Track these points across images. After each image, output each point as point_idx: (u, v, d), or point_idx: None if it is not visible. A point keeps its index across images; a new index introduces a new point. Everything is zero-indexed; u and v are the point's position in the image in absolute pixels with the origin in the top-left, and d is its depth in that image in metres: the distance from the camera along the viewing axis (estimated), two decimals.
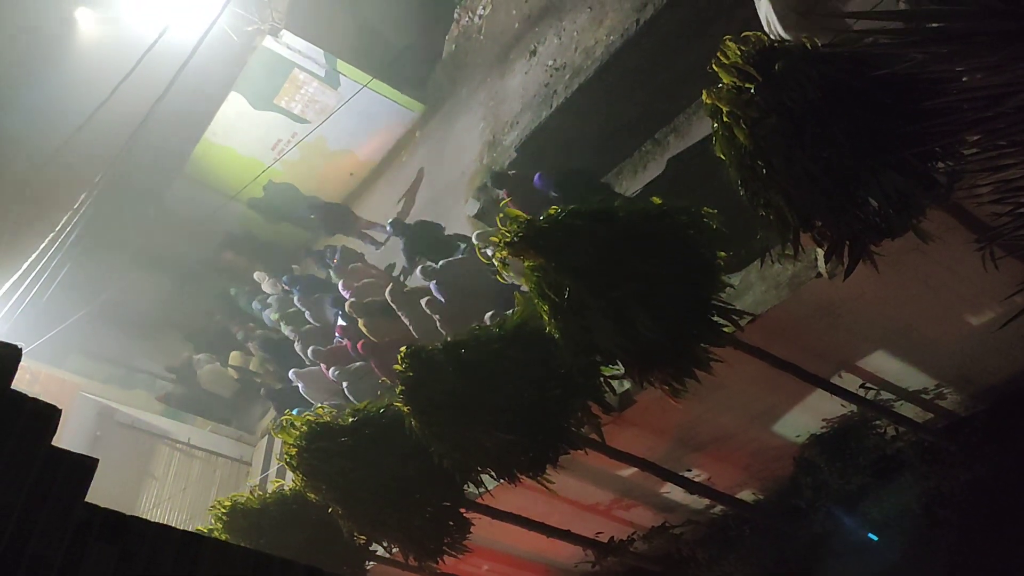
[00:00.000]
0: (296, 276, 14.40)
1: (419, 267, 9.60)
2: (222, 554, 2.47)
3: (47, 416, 2.35)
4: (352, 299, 10.96)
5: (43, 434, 2.33)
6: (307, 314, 12.78)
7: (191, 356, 17.07)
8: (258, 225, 18.67)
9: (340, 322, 11.33)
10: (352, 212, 15.01)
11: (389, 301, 9.81)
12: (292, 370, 12.02)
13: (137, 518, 2.48)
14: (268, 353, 14.44)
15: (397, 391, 5.90)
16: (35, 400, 2.37)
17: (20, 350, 2.47)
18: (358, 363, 10.51)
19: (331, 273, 13.48)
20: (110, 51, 13.81)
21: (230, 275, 17.65)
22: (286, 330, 13.53)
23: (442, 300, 8.84)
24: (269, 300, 15.24)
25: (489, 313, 7.60)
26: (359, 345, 10.28)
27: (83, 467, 2.42)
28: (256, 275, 16.24)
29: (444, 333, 8.28)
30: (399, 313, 9.67)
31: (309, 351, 11.80)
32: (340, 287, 11.74)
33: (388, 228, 11.59)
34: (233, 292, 16.94)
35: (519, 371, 5.59)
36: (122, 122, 11.84)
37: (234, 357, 15.88)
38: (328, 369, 10.93)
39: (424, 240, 10.94)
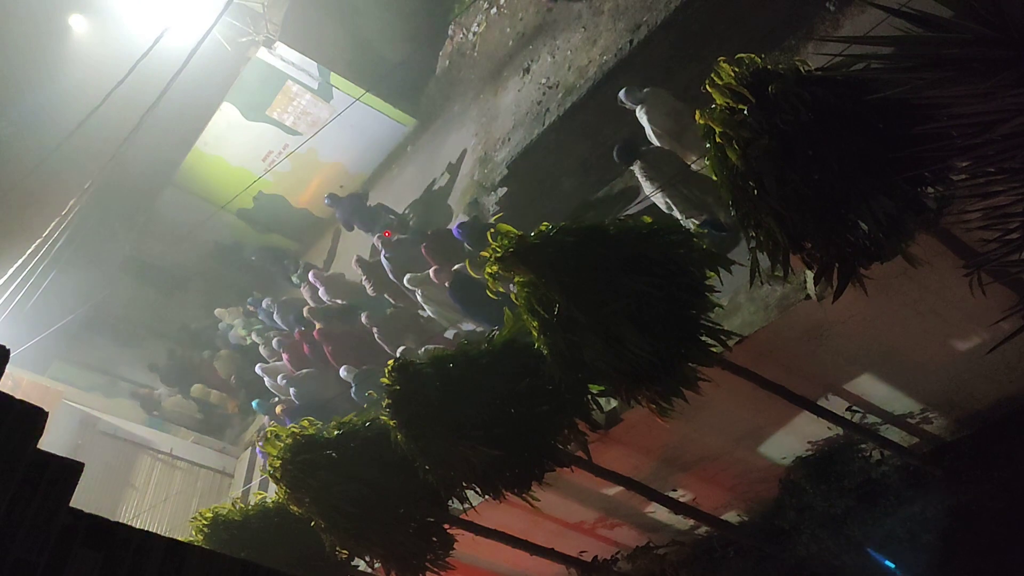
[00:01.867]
0: (257, 299, 15.73)
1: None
2: (207, 562, 2.44)
3: (33, 418, 2.32)
4: (309, 308, 12.40)
5: (29, 436, 2.30)
6: (275, 314, 13.94)
7: (152, 391, 17.32)
8: (247, 235, 18.63)
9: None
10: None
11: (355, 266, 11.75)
12: (258, 364, 13.58)
13: (122, 524, 2.44)
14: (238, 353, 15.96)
15: (384, 404, 5.87)
16: (21, 402, 2.34)
17: (8, 351, 2.44)
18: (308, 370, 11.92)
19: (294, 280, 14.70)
20: (103, 59, 13.76)
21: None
22: (254, 337, 14.85)
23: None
24: (232, 323, 16.75)
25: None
26: (315, 332, 11.63)
27: (69, 471, 2.39)
28: (216, 312, 17.45)
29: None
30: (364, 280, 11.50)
31: (274, 342, 13.14)
32: (310, 276, 13.01)
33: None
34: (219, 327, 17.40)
35: (506, 386, 5.58)
36: (113, 130, 11.78)
37: (196, 390, 16.51)
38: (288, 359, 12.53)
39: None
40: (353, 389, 10.41)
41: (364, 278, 11.63)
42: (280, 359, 13.04)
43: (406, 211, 13.68)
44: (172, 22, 11.09)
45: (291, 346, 12.65)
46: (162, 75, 10.55)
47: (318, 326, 11.84)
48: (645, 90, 7.76)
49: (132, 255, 19.35)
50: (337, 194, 14.71)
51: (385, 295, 11.32)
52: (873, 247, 4.30)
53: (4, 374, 2.51)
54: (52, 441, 13.36)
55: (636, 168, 7.50)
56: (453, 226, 9.92)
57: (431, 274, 9.80)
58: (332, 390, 11.08)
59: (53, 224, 12.89)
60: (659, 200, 7.22)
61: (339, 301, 12.34)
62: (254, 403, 13.60)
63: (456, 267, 9.51)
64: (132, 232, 18.73)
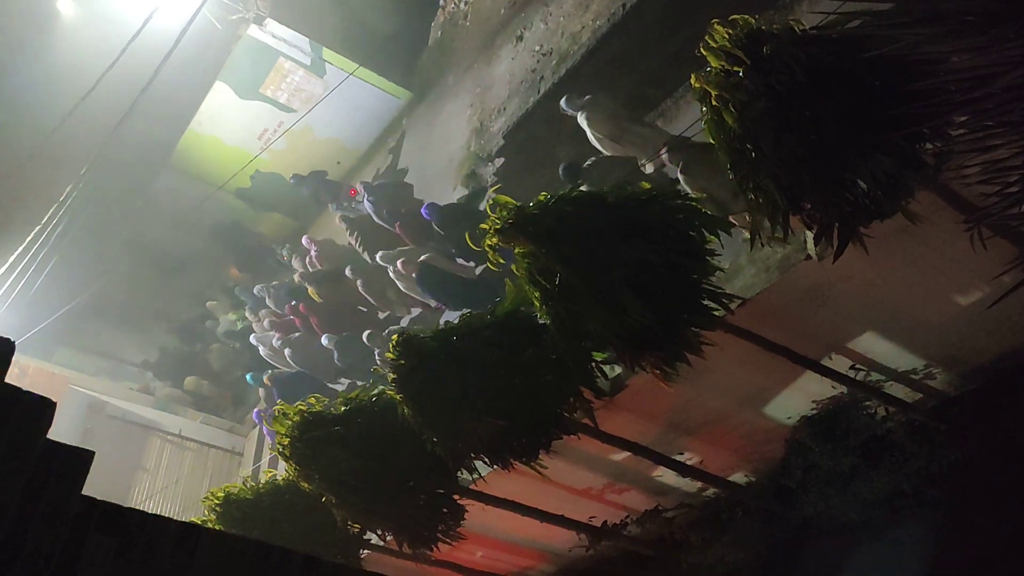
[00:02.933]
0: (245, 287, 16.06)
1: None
2: (220, 544, 2.47)
3: (42, 409, 2.34)
4: (301, 272, 12.89)
5: (38, 427, 2.31)
6: (267, 298, 14.10)
7: (148, 384, 17.50)
8: (246, 215, 18.59)
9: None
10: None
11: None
12: (252, 335, 14.02)
13: (134, 509, 2.47)
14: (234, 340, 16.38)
15: (389, 379, 5.90)
16: (29, 393, 2.36)
17: (13, 343, 2.45)
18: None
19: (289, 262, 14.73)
20: (92, 41, 13.66)
21: (234, 286, 17.87)
22: (247, 315, 15.37)
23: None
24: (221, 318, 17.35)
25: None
26: (301, 306, 12.15)
27: (79, 459, 2.41)
28: (208, 304, 17.91)
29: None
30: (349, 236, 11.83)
31: (265, 322, 13.57)
32: (303, 241, 13.31)
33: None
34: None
35: (511, 357, 5.60)
36: (106, 113, 11.72)
37: (189, 382, 16.65)
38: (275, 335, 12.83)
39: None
40: (336, 355, 10.85)
41: (349, 233, 11.88)
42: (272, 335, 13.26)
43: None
44: (161, 2, 10.99)
45: (282, 324, 12.96)
46: (153, 57, 10.49)
47: (307, 294, 12.25)
48: (586, 97, 7.94)
49: (132, 239, 19.32)
50: (301, 174, 15.41)
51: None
52: (872, 205, 4.30)
53: (11, 363, 2.52)
54: (61, 427, 13.45)
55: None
56: (423, 207, 10.10)
57: (399, 265, 9.92)
58: (324, 355, 11.30)
59: (51, 211, 12.89)
60: None
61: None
62: (248, 376, 13.72)
63: (422, 258, 9.71)
64: (130, 216, 18.68)
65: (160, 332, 18.77)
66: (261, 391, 12.96)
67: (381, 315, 11.56)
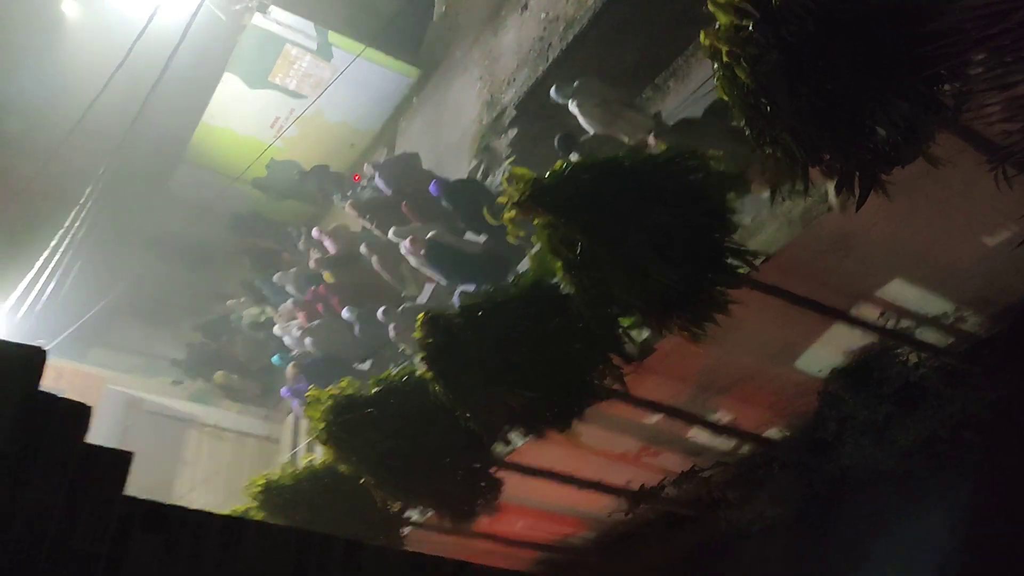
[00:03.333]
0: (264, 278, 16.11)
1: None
2: (263, 534, 2.52)
3: (79, 415, 2.38)
4: (316, 259, 13.00)
5: (76, 433, 2.36)
6: (287, 285, 14.13)
7: (178, 383, 17.71)
8: (264, 204, 18.66)
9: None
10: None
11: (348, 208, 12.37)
12: (275, 326, 14.22)
13: (177, 506, 2.52)
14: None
15: (418, 358, 5.95)
16: (66, 400, 2.40)
17: (44, 352, 2.49)
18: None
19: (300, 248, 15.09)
20: (99, 42, 13.71)
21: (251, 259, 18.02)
22: (268, 311, 15.66)
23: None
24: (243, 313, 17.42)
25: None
26: (319, 288, 12.40)
27: (119, 461, 2.45)
28: (228, 304, 17.88)
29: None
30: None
31: (289, 302, 13.88)
32: (313, 233, 13.40)
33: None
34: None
35: (537, 329, 5.62)
36: (119, 113, 11.80)
37: (218, 377, 16.69)
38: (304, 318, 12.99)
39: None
40: (356, 328, 10.99)
41: (361, 216, 11.95)
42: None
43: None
44: None
45: (305, 305, 13.08)
46: (160, 53, 10.52)
47: (326, 278, 12.36)
48: (575, 83, 8.00)
49: (153, 235, 19.47)
50: (304, 168, 15.79)
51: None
52: (892, 152, 4.24)
53: (44, 370, 2.57)
54: (101, 426, 13.70)
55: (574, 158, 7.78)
56: (431, 183, 10.11)
57: (408, 243, 9.94)
58: (347, 337, 11.44)
59: (73, 213, 13.01)
60: None
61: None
62: (275, 358, 13.94)
63: (429, 235, 9.74)
64: (151, 213, 18.82)
65: (188, 325, 18.98)
66: (288, 371, 13.07)
67: (402, 293, 11.64)
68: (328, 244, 12.87)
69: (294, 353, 13.02)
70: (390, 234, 10.42)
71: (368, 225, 11.78)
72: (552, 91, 8.20)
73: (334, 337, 11.82)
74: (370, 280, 11.59)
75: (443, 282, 9.99)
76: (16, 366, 2.34)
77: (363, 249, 11.49)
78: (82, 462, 2.38)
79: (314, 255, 13.35)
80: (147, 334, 19.39)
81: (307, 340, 12.17)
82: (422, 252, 9.68)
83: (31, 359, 2.36)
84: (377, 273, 11.27)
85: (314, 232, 13.48)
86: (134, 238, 18.89)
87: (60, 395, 2.39)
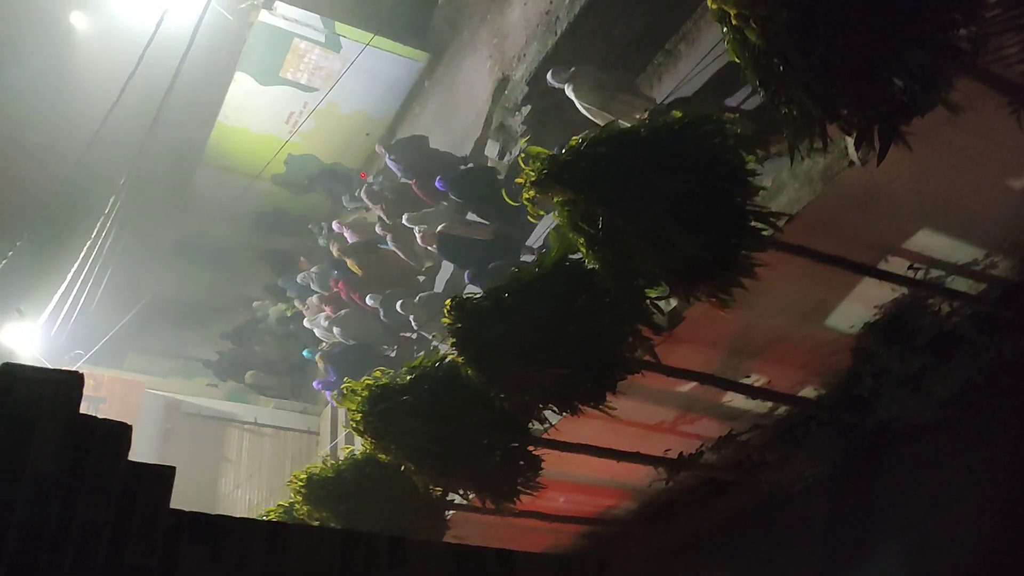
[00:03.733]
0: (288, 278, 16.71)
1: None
2: (309, 537, 2.56)
3: (119, 434, 2.44)
4: (339, 247, 13.43)
5: (119, 452, 2.42)
6: (312, 282, 14.68)
7: (212, 385, 18.03)
8: (286, 199, 18.79)
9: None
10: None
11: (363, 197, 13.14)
12: (304, 320, 14.76)
13: (222, 516, 2.57)
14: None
15: (449, 343, 5.97)
16: (106, 420, 2.46)
17: (82, 375, 2.55)
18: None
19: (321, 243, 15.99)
20: (111, 50, 13.80)
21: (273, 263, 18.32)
22: (296, 305, 16.22)
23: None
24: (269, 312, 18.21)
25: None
26: (340, 284, 12.96)
27: (162, 476, 2.51)
28: (254, 304, 18.65)
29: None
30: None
31: (315, 298, 14.58)
32: (333, 226, 14.09)
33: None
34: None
35: (564, 306, 5.61)
36: (135, 120, 11.89)
37: (249, 376, 17.15)
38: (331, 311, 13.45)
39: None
40: (381, 313, 11.39)
41: (374, 205, 12.59)
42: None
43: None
44: (169, 2, 11.02)
45: (330, 298, 13.60)
46: (171, 58, 10.57)
47: (350, 265, 12.75)
48: (571, 69, 8.40)
49: (179, 239, 19.69)
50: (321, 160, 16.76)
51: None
52: (911, 102, 4.18)
53: (83, 394, 2.63)
54: (144, 431, 13.98)
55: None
56: (436, 180, 10.51)
57: (418, 238, 10.58)
58: (373, 323, 11.91)
59: (99, 223, 13.16)
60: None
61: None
62: (305, 351, 14.42)
63: (439, 228, 10.26)
64: (175, 217, 19.02)
65: (220, 325, 19.23)
66: (318, 363, 13.38)
67: (420, 278, 12.13)
68: (348, 234, 13.35)
69: (323, 345, 13.24)
70: (403, 220, 10.88)
71: (381, 214, 12.25)
72: (549, 76, 8.55)
73: (361, 324, 12.22)
74: (392, 265, 12.12)
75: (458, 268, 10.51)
76: (56, 392, 2.40)
77: (378, 229, 12.18)
78: (127, 480, 2.44)
79: (335, 247, 13.74)
80: (180, 337, 19.70)
81: (335, 330, 12.54)
82: (434, 246, 10.30)
83: (69, 384, 2.42)
84: (397, 259, 11.77)
85: (334, 225, 14.04)
86: (161, 244, 19.13)
87: (100, 416, 2.45)
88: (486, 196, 9.98)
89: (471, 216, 10.58)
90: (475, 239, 10.06)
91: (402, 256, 11.79)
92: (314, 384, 13.53)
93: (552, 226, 6.02)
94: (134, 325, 16.10)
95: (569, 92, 8.25)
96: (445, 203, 10.80)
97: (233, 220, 18.56)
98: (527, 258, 9.83)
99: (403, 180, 11.96)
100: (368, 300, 11.65)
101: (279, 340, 17.31)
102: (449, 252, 10.32)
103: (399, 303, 10.71)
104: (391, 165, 12.00)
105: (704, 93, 6.75)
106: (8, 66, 15.34)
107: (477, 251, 9.97)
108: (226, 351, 18.26)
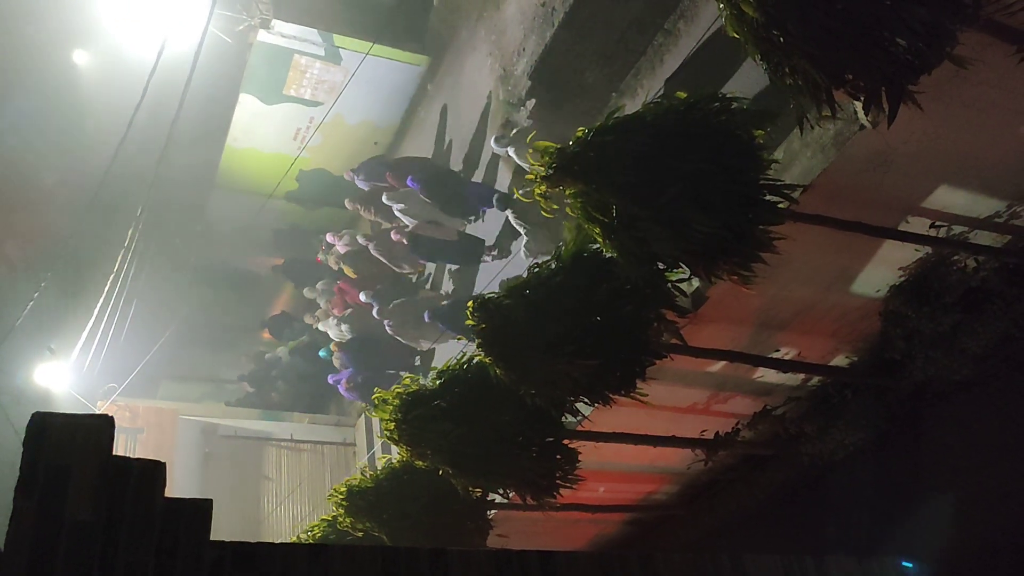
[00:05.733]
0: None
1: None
2: (350, 557, 2.56)
3: (153, 472, 2.46)
4: (333, 258, 14.89)
5: (154, 491, 2.43)
6: (317, 299, 16.20)
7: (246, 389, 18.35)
8: (301, 216, 18.87)
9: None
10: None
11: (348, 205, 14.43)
12: (318, 324, 15.58)
13: (263, 543, 2.57)
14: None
15: (476, 344, 5.97)
16: (139, 460, 2.47)
17: (111, 418, 2.56)
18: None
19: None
20: (114, 85, 13.89)
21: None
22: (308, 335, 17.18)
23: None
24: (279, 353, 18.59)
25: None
26: (341, 284, 14.51)
27: (200, 509, 2.52)
28: (267, 357, 18.73)
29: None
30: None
31: (323, 308, 15.85)
32: (327, 237, 15.53)
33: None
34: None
35: (586, 298, 5.60)
36: (145, 151, 11.97)
37: (274, 396, 17.83)
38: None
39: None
40: (375, 309, 12.35)
41: (364, 210, 14.01)
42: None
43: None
44: (168, 32, 11.07)
45: (336, 301, 15.04)
46: (175, 86, 10.62)
47: (346, 272, 14.23)
48: (513, 132, 9.85)
49: (200, 264, 19.82)
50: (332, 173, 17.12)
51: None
52: (916, 60, 4.12)
53: (119, 408, 2.65)
54: (182, 458, 14.12)
55: (509, 214, 9.69)
56: (408, 179, 11.84)
57: (391, 235, 12.21)
58: (374, 319, 12.80)
59: (120, 256, 13.26)
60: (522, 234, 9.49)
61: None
62: (321, 351, 15.28)
63: (409, 228, 11.80)
64: (193, 243, 19.15)
65: (246, 344, 19.38)
66: (334, 360, 14.05)
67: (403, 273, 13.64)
68: (339, 245, 14.95)
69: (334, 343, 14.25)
70: (383, 198, 12.40)
71: (367, 214, 14.00)
72: (492, 144, 9.75)
73: (364, 320, 13.37)
74: (382, 264, 13.41)
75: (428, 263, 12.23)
76: (87, 437, 2.42)
77: (360, 239, 13.78)
78: (166, 517, 2.45)
79: (332, 263, 15.16)
80: (209, 360, 19.89)
81: (343, 327, 13.79)
82: (405, 242, 11.80)
83: (100, 427, 2.44)
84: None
85: (328, 237, 15.40)
86: (182, 270, 19.27)
87: (139, 446, 2.46)
88: (451, 199, 11.44)
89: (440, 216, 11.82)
90: (442, 240, 11.61)
91: (383, 260, 13.01)
92: (328, 379, 13.77)
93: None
94: (164, 353, 16.21)
95: (512, 154, 9.32)
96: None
97: (251, 241, 18.67)
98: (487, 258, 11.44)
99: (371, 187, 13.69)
100: (361, 297, 12.92)
101: (292, 372, 17.69)
102: (419, 249, 11.74)
103: (375, 310, 12.22)
104: (361, 185, 13.80)
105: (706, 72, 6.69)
106: (19, 112, 15.52)
107: (444, 250, 11.67)
108: (249, 391, 18.51)
